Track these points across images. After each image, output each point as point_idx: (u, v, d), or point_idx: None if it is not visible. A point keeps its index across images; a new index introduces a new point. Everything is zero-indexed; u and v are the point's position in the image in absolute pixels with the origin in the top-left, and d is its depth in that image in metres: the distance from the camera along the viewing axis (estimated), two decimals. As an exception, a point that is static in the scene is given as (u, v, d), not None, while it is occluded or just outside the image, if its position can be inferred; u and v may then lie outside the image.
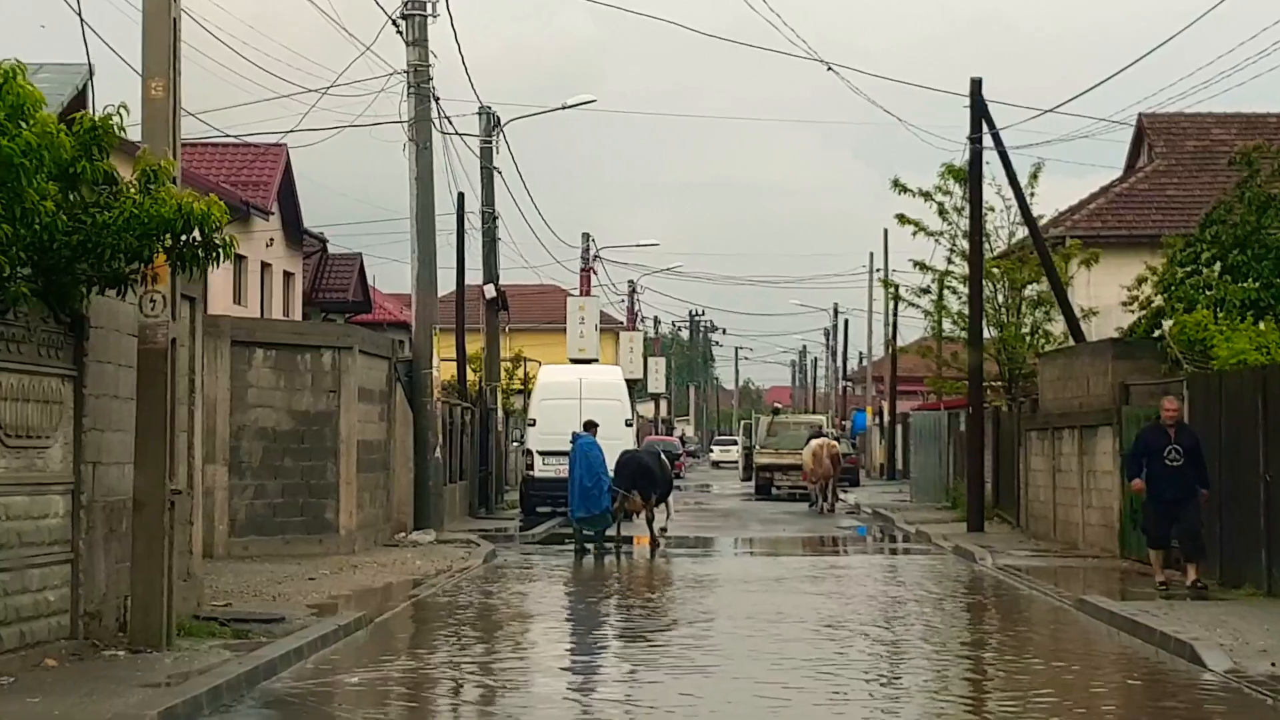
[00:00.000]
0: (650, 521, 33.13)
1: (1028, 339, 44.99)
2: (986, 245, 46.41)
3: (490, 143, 47.34)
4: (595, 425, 33.48)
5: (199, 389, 18.37)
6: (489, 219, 47.63)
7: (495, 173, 47.73)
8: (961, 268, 46.34)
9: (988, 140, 36.36)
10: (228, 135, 42.99)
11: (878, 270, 74.54)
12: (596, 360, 62.35)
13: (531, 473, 41.77)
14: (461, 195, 47.47)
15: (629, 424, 41.48)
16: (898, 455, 70.65)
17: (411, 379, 30.98)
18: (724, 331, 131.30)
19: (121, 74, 52.99)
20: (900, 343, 72.17)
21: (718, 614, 20.68)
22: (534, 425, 41.95)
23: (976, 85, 35.63)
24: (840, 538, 36.87)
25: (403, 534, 30.53)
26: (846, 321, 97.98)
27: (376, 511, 29.47)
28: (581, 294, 69.97)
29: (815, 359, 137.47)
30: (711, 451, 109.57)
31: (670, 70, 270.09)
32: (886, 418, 73.19)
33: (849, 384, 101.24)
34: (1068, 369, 31.76)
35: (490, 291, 47.64)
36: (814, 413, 78.12)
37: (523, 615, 21.06)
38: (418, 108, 30.84)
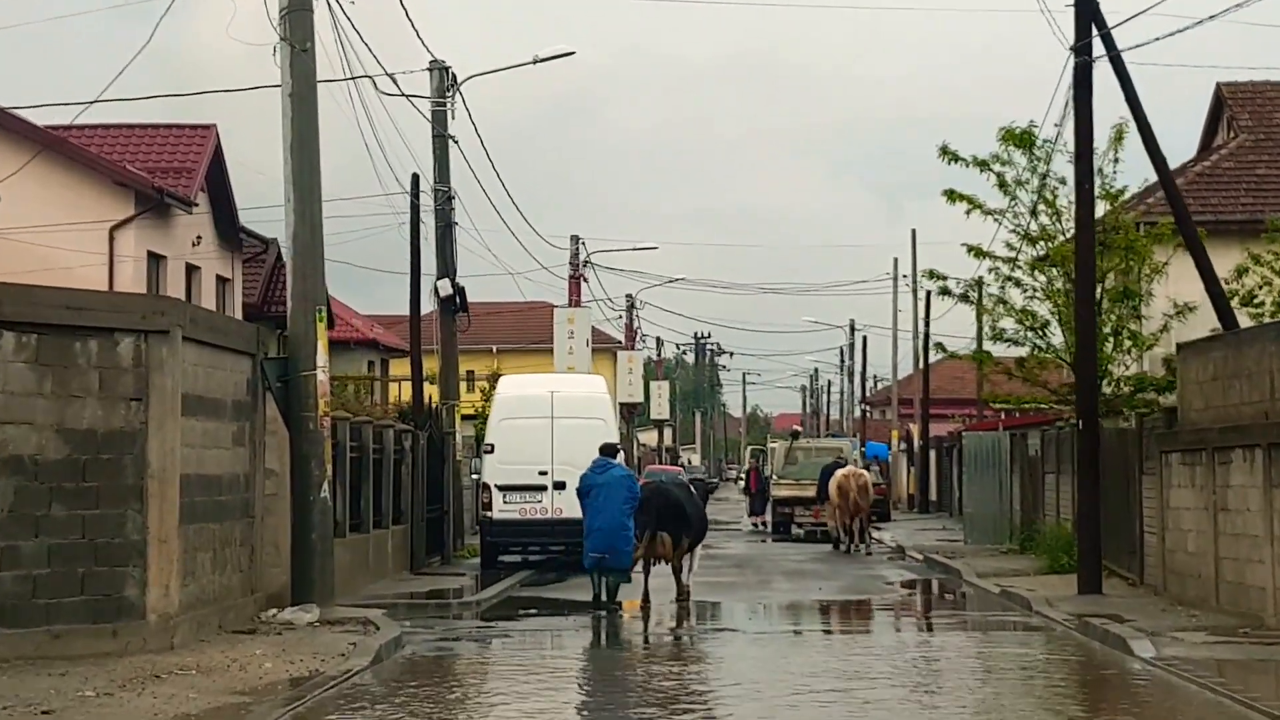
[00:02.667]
0: (677, 573, 24.90)
1: (1110, 340, 34.96)
2: (1058, 225, 36.54)
3: (444, 105, 37.32)
4: (616, 449, 25.92)
5: None
6: (443, 199, 37.54)
7: (451, 142, 37.68)
8: (1029, 253, 36.40)
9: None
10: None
11: (904, 277, 64.37)
12: (588, 380, 51.96)
13: (489, 514, 31.52)
14: (416, 177, 37.59)
15: (616, 449, 31.31)
16: (931, 485, 60.33)
17: (288, 385, 20.73)
18: (731, 355, 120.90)
19: None
20: (929, 358, 61.96)
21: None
22: (491, 452, 31.73)
23: (1085, -25, 25.43)
24: (898, 601, 26.67)
25: (274, 611, 20.28)
26: (865, 338, 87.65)
27: (226, 581, 19.25)
28: (570, 304, 59.77)
29: (829, 381, 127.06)
30: (740, 481, 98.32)
31: (674, 100, 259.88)
32: (917, 442, 62.82)
33: (867, 408, 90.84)
34: (1231, 364, 21.53)
35: (445, 288, 37.47)
36: (837, 436, 67.84)
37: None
38: (292, -12, 20.66)
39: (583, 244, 60.26)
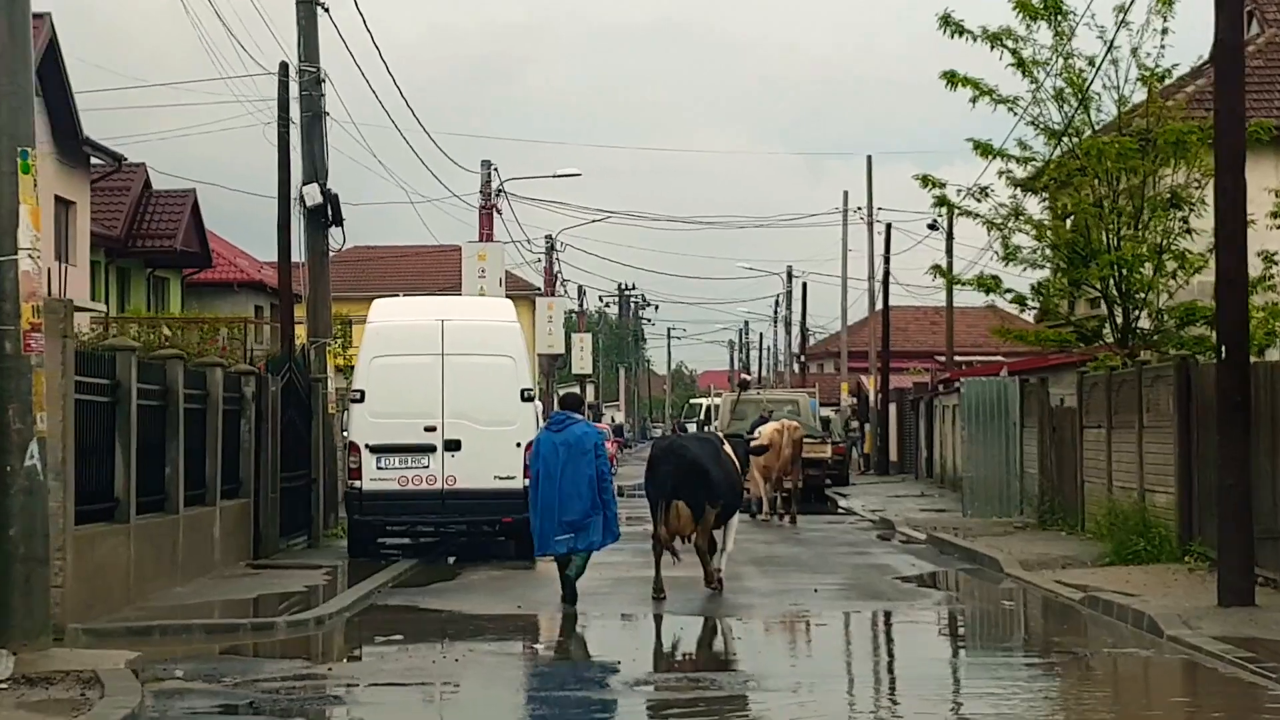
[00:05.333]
0: (702, 555, 18.75)
1: (1154, 262, 27.00)
2: (1086, 118, 28.54)
3: (311, -37, 28.72)
4: (580, 399, 21.08)
5: None
6: (310, 82, 28.94)
7: (318, 9, 29.05)
8: (1047, 152, 28.43)
9: None
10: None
11: (858, 209, 56.02)
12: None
13: (358, 484, 22.86)
14: (284, 66, 29.21)
15: (528, 397, 22.92)
16: (891, 443, 52.10)
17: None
18: (656, 307, 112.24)
19: None
20: (889, 299, 53.63)
21: None
22: (360, 401, 23.11)
23: None
24: (943, 613, 18.10)
25: (-57, 659, 11.70)
26: (805, 285, 79.14)
27: None
28: (481, 239, 51.06)
29: (760, 334, 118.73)
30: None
31: (595, 63, 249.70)
32: (874, 395, 54.56)
33: (803, 361, 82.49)
34: None
35: (313, 195, 28.90)
36: (793, 388, 59.30)
37: None
38: None
39: (495, 170, 51.50)
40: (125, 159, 41.81)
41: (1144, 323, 27.65)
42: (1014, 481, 30.48)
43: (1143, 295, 27.27)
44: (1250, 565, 15.66)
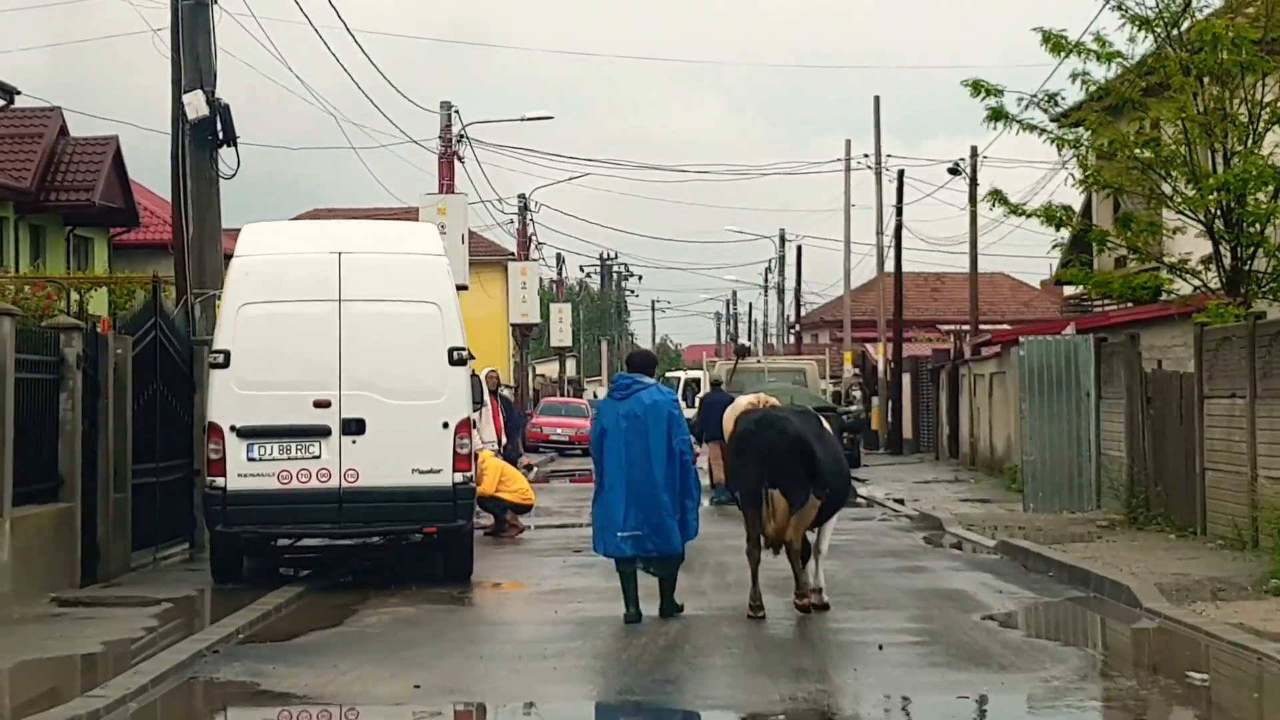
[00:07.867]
0: (794, 558, 14.06)
1: (1271, 184, 20.41)
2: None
3: None
4: (649, 357, 15.07)
5: None
6: (192, -44, 22.11)
7: None
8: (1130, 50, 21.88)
9: None
10: None
11: (865, 157, 49.14)
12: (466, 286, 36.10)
13: (220, 482, 15.94)
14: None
15: (458, 359, 16.11)
16: (905, 418, 45.37)
17: None
18: (640, 278, 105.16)
19: None
20: (888, 268, 46.79)
21: None
22: (224, 366, 16.21)
23: None
24: (1104, 698, 10.98)
25: None
26: (799, 248, 72.28)
27: None
28: (441, 191, 44.20)
29: (749, 304, 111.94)
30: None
31: (568, 30, 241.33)
32: (884, 365, 47.78)
33: (798, 331, 75.75)
34: None
35: (197, 106, 22.06)
36: (798, 356, 52.43)
37: None
38: None
39: (456, 113, 44.59)
40: (18, 91, 35.24)
41: (1261, 263, 21.13)
42: (1087, 466, 23.87)
43: (1258, 229, 20.69)
44: None
